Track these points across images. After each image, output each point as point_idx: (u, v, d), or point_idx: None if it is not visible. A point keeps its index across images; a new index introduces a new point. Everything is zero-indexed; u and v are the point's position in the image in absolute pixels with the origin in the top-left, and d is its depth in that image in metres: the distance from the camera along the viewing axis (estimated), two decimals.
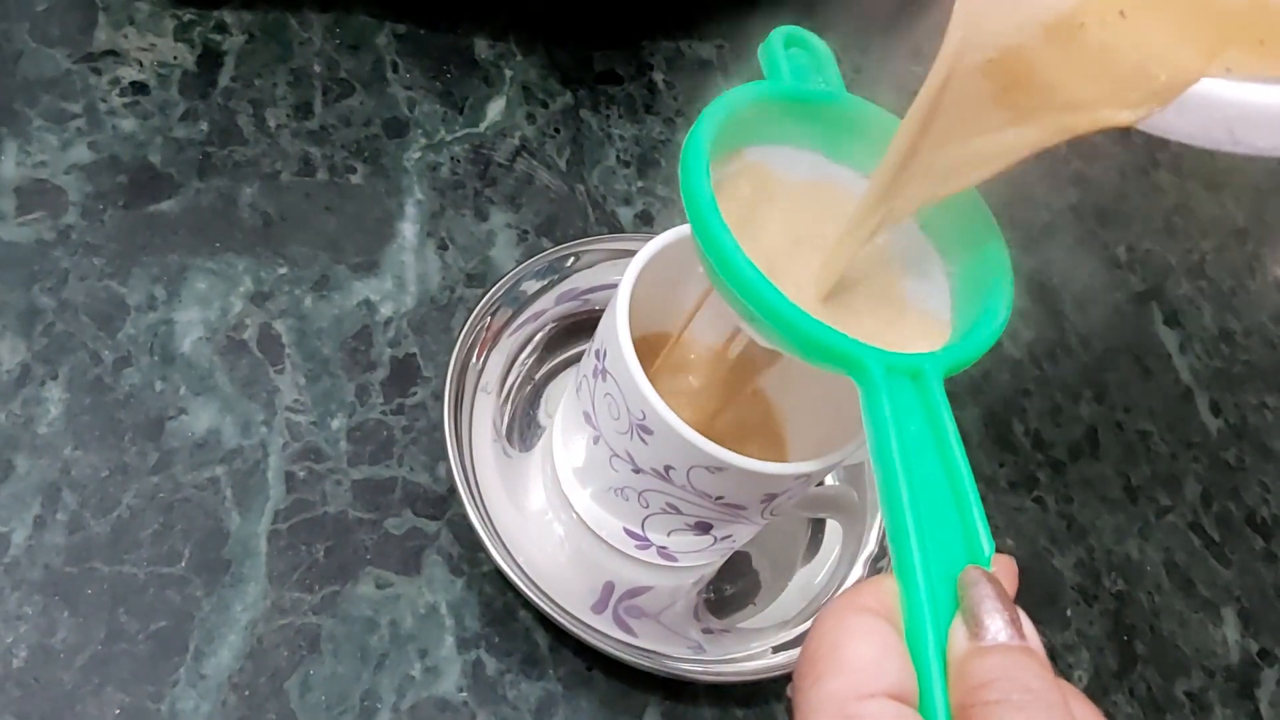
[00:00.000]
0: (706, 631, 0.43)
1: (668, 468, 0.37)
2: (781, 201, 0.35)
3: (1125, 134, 0.66)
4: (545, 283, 0.47)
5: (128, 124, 0.48)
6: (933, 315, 0.33)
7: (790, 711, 0.42)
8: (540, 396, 0.47)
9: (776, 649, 0.43)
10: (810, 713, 0.23)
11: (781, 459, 0.41)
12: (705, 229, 0.30)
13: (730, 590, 0.45)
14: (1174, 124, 0.27)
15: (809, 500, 0.49)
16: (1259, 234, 0.67)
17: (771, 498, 0.38)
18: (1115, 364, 0.58)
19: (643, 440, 0.37)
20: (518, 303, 0.46)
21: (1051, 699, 0.22)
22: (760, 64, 0.35)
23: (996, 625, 0.23)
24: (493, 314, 0.46)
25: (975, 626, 0.23)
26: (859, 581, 0.45)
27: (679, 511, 0.39)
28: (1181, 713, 0.48)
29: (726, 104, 0.33)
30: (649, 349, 0.40)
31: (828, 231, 0.34)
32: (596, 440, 0.40)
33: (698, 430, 0.35)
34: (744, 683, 0.42)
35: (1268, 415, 0.59)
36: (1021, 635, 0.23)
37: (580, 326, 0.48)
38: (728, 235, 0.29)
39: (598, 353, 0.39)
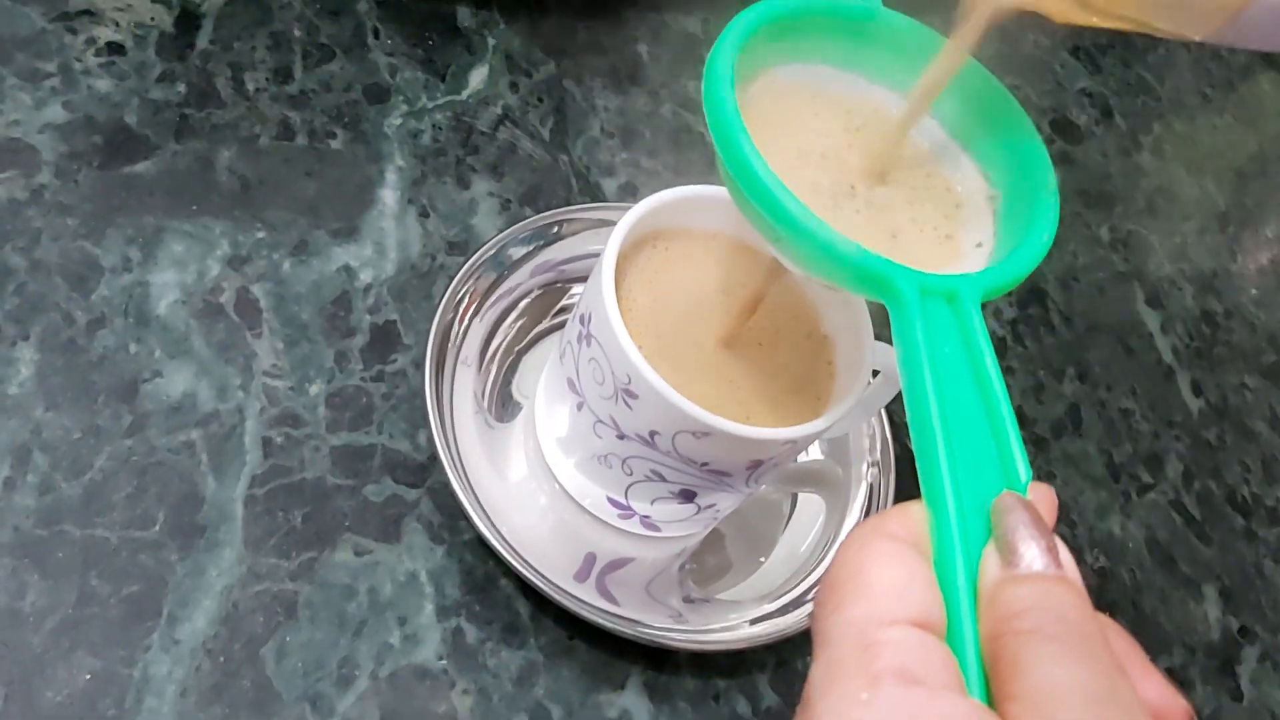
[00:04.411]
0: (688, 600, 0.43)
1: (653, 433, 0.37)
2: (811, 121, 0.34)
3: (1108, 115, 0.66)
4: (529, 249, 0.46)
5: (103, 84, 0.47)
6: (973, 240, 0.33)
7: (774, 685, 0.42)
8: (519, 368, 0.46)
9: (757, 620, 0.42)
10: (829, 641, 0.22)
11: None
12: (731, 145, 0.28)
13: (712, 563, 0.45)
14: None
15: (793, 475, 0.49)
16: (1240, 217, 0.67)
17: (757, 464, 0.38)
18: (1097, 342, 0.58)
19: (627, 405, 0.37)
20: (501, 269, 0.46)
21: (1088, 630, 0.21)
22: None
23: (1032, 553, 0.22)
24: (475, 281, 0.45)
25: (1009, 554, 0.22)
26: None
27: (663, 479, 0.39)
28: None
29: (758, 12, 0.31)
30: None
31: (857, 150, 0.33)
32: (580, 407, 0.39)
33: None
34: (726, 652, 0.42)
35: (1248, 396, 0.59)
36: (1059, 565, 0.22)
37: (562, 296, 0.48)
38: (759, 157, 0.28)
39: (582, 318, 0.38)
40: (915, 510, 0.24)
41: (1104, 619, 0.22)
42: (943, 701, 0.20)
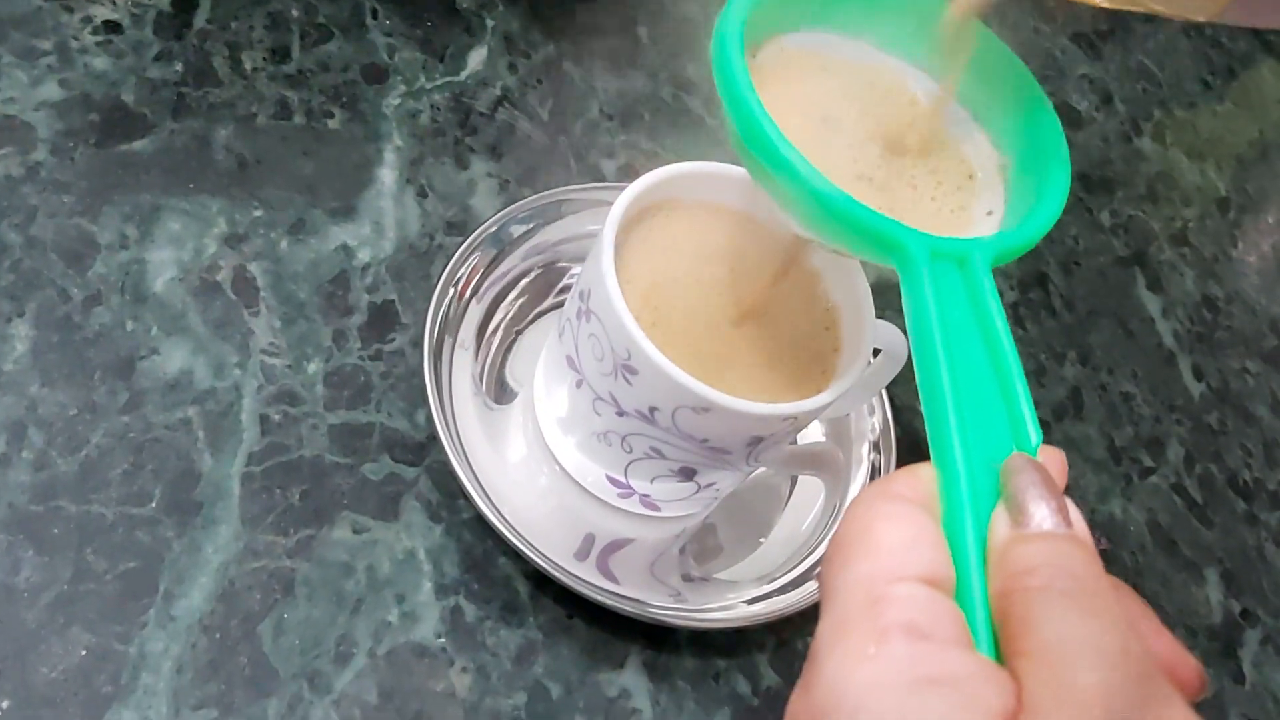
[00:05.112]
0: (687, 579, 0.42)
1: (652, 409, 0.36)
2: (821, 88, 0.33)
3: (1108, 101, 0.66)
4: (528, 228, 0.46)
5: (100, 63, 0.46)
6: (984, 208, 0.32)
7: (774, 665, 0.42)
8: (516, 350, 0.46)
9: (757, 599, 0.42)
10: (836, 597, 0.22)
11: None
12: (740, 104, 0.28)
13: (711, 544, 0.44)
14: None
15: (793, 457, 0.49)
16: (1241, 203, 0.67)
17: (757, 441, 0.38)
18: (1099, 326, 0.58)
19: (627, 381, 0.36)
20: (500, 247, 0.45)
21: (1100, 587, 0.21)
22: None
23: (1042, 513, 0.22)
24: (474, 261, 0.45)
25: (1019, 514, 0.22)
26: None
27: (663, 456, 0.39)
28: None
29: None
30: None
31: (869, 119, 0.33)
32: (579, 384, 0.39)
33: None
34: (726, 631, 0.41)
35: (1249, 380, 0.59)
36: (1069, 524, 0.22)
37: (561, 276, 0.48)
38: (768, 117, 0.27)
39: (582, 294, 0.38)
40: (924, 471, 0.24)
41: (1116, 580, 0.22)
42: (951, 656, 0.20)
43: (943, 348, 0.24)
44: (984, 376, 0.24)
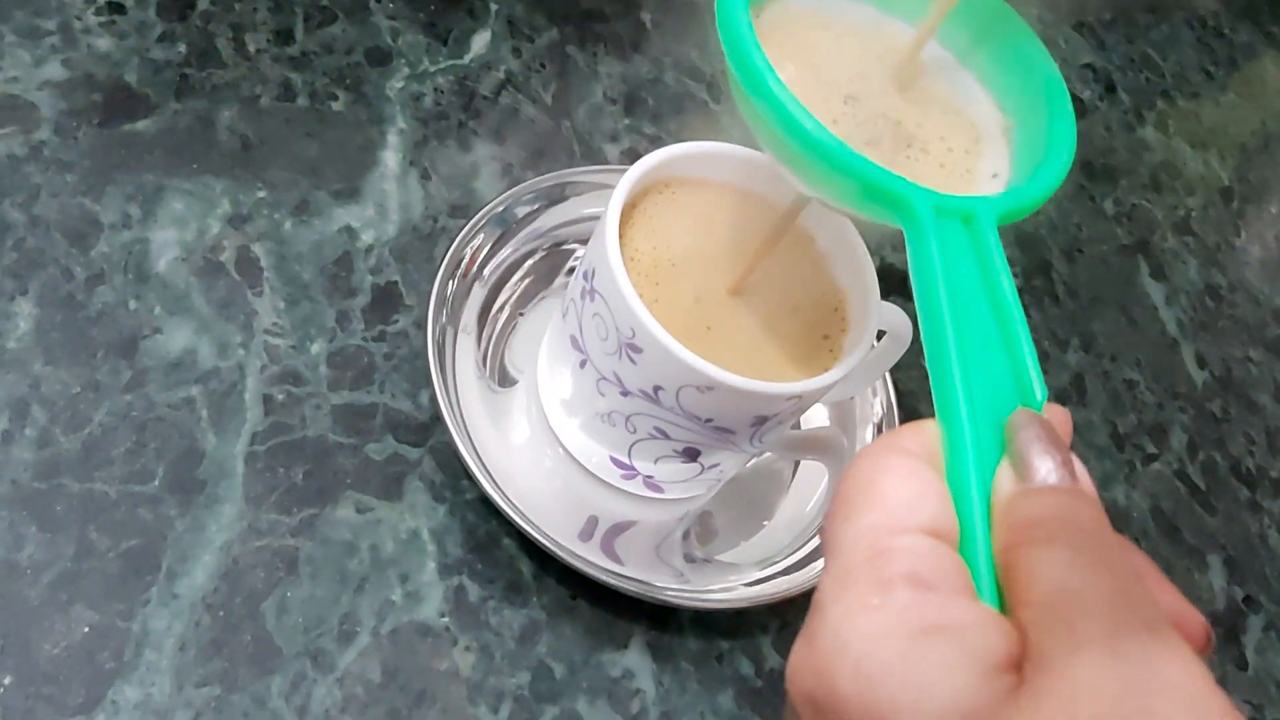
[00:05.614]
0: (690, 560, 0.42)
1: (657, 388, 0.36)
2: (827, 50, 0.33)
3: (1111, 90, 0.66)
4: (532, 209, 0.46)
5: (103, 43, 0.46)
6: (988, 170, 0.32)
7: (777, 646, 0.42)
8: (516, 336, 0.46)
9: (760, 581, 0.42)
10: (840, 549, 0.22)
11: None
12: (744, 59, 0.28)
13: (714, 527, 0.44)
14: None
15: (796, 441, 0.49)
16: (1244, 193, 0.67)
17: (762, 421, 0.38)
18: (1102, 313, 0.57)
19: (631, 360, 0.36)
20: (504, 228, 0.45)
21: (1105, 540, 0.20)
22: None
23: (1047, 467, 0.21)
24: (478, 243, 0.45)
25: (1024, 469, 0.22)
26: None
27: (667, 436, 0.39)
28: None
29: None
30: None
31: (874, 82, 0.32)
32: (583, 364, 0.39)
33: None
34: (729, 611, 0.41)
35: (1252, 369, 0.59)
36: (1074, 479, 0.22)
37: (565, 259, 0.47)
38: (772, 71, 0.27)
39: (586, 273, 0.38)
40: (928, 427, 0.23)
41: (1121, 537, 0.21)
42: (955, 605, 0.20)
43: (948, 305, 0.24)
44: (989, 334, 0.24)
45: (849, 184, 0.27)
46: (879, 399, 0.48)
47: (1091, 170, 0.63)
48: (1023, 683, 0.19)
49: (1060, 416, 0.24)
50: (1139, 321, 0.58)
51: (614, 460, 0.41)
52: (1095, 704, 0.18)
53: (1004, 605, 0.21)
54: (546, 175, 0.47)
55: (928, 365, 0.24)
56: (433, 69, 0.51)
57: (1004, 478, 0.22)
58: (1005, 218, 0.27)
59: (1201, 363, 0.58)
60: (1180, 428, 0.55)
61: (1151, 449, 0.54)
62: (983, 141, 0.33)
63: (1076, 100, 0.66)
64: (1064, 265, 0.58)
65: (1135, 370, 0.56)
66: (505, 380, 0.44)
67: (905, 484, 0.22)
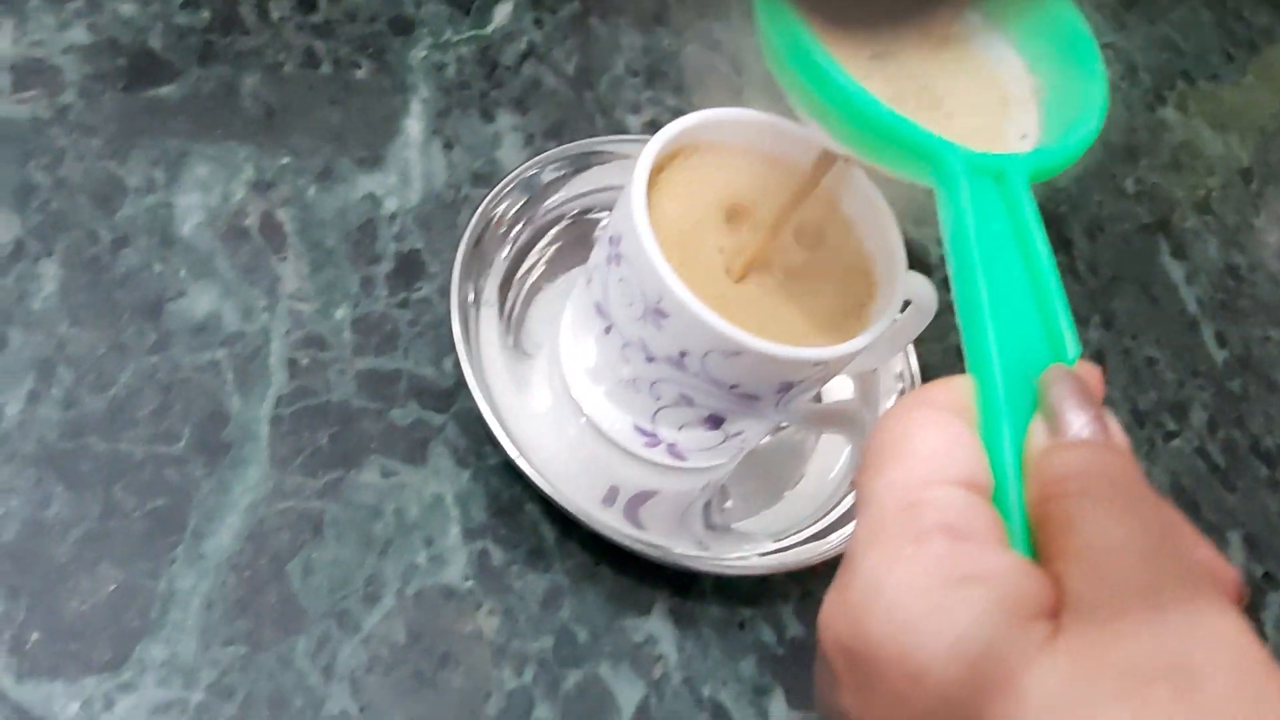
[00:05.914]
0: (711, 528, 0.42)
1: (682, 354, 0.36)
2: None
3: (1132, 70, 0.66)
4: (555, 178, 0.46)
5: (128, 9, 0.46)
6: (1018, 132, 0.32)
7: (799, 614, 0.42)
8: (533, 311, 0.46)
9: (780, 550, 0.42)
10: (873, 502, 0.22)
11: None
12: (777, 16, 0.28)
13: (735, 498, 0.44)
14: None
15: (818, 414, 0.49)
16: (1264, 174, 0.67)
17: (788, 387, 0.38)
18: (1123, 292, 0.57)
19: (657, 326, 0.36)
20: (529, 195, 0.45)
21: (1140, 492, 0.20)
22: None
23: (1080, 421, 0.22)
24: (500, 211, 0.45)
25: (1057, 423, 0.22)
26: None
27: (692, 403, 0.39)
28: None
29: None
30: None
31: (904, 48, 0.32)
32: (608, 330, 0.39)
33: None
34: (751, 578, 0.41)
35: (1272, 348, 0.59)
36: (1106, 433, 0.22)
37: (589, 228, 0.47)
38: (804, 28, 0.27)
39: (612, 239, 0.38)
40: (960, 382, 0.23)
41: (1153, 492, 0.21)
42: (989, 554, 0.20)
43: (980, 261, 0.24)
44: (1021, 291, 0.24)
45: (883, 142, 0.27)
46: (902, 374, 0.48)
47: (1112, 149, 0.63)
48: (1059, 631, 0.19)
49: (1092, 373, 0.24)
50: (1159, 300, 0.58)
51: (637, 428, 0.41)
52: (1133, 652, 0.18)
53: (1037, 557, 0.21)
54: (569, 144, 0.47)
55: (959, 321, 0.24)
56: (455, 39, 0.51)
57: (1037, 432, 0.22)
58: (1036, 176, 0.27)
59: (1221, 341, 0.58)
60: (1200, 405, 0.55)
61: (1172, 426, 0.54)
62: (1011, 103, 0.33)
63: None
64: (1085, 243, 0.58)
65: (1155, 348, 0.56)
66: (528, 348, 0.44)
67: (938, 437, 0.22)
